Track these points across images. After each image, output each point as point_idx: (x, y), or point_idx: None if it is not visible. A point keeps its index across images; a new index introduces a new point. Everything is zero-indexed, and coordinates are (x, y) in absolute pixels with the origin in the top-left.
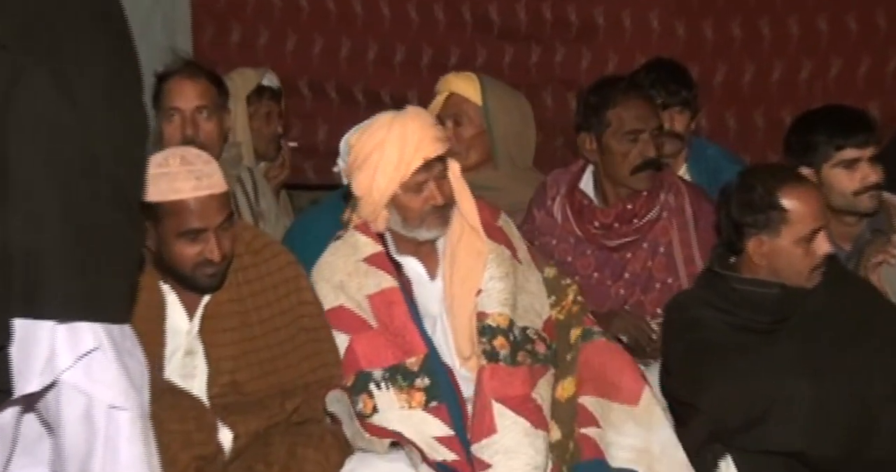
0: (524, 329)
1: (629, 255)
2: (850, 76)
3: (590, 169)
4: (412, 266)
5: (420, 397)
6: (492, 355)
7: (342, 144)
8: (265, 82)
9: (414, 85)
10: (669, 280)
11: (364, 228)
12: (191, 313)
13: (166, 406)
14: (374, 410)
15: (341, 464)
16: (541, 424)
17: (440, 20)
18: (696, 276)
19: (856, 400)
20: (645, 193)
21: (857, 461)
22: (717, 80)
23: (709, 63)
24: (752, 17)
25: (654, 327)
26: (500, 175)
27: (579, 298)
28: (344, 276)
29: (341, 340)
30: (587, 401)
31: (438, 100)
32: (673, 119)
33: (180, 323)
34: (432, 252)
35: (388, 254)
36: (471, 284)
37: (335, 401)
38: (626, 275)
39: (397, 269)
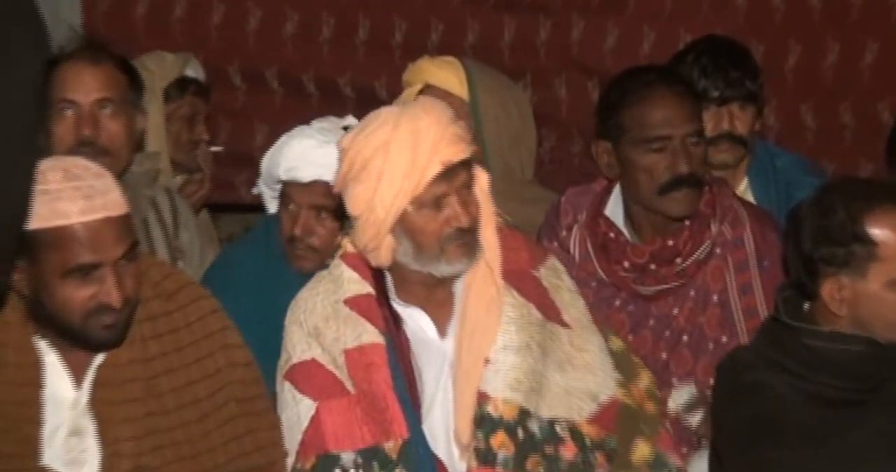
0: (551, 423)
1: (673, 307)
2: None
3: (617, 189)
4: (416, 319)
5: None
6: (486, 458)
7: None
8: (188, 73)
9: (382, 71)
10: (724, 339)
11: (354, 259)
12: (78, 378)
13: None
14: None
15: None
16: None
17: None
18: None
19: None
20: (688, 224)
21: None
22: (789, 64)
23: (779, 42)
24: None
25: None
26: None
27: (657, 392)
28: (320, 321)
29: (305, 407)
30: None
31: (410, 92)
32: (733, 118)
33: (64, 392)
34: (447, 300)
35: (381, 298)
36: (479, 345)
37: None
38: (668, 333)
39: (394, 319)
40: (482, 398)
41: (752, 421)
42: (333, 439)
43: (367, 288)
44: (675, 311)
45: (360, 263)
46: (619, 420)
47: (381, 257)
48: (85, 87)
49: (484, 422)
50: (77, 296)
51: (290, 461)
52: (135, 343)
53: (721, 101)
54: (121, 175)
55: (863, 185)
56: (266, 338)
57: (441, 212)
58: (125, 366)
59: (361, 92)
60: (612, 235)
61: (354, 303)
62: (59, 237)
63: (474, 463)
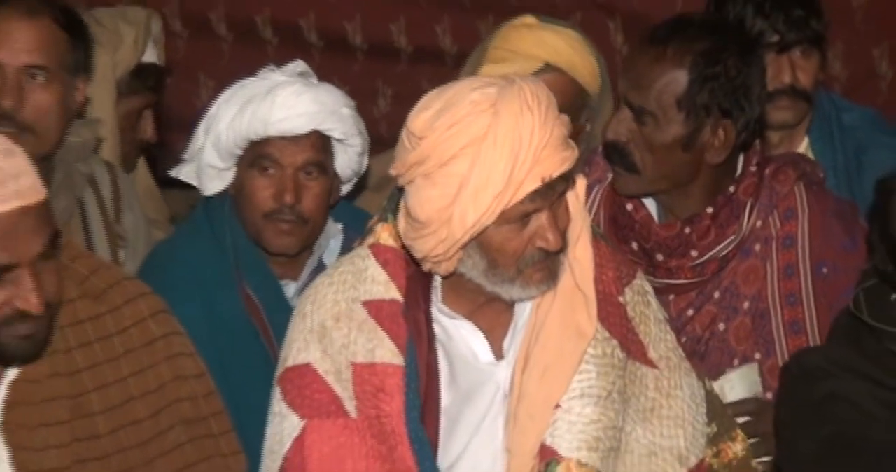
0: None
1: (687, 309)
2: None
3: None
4: (463, 334)
5: None
6: None
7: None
8: (148, 56)
9: (355, 12)
10: (758, 356)
11: (387, 254)
12: None
13: None
14: None
15: None
16: None
17: None
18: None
19: None
20: (711, 211)
21: None
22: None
23: None
24: None
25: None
26: None
27: (752, 462)
28: (329, 318)
29: (290, 425)
30: None
31: (522, 68)
32: (795, 67)
33: None
34: (505, 314)
35: (415, 303)
36: (554, 383)
37: None
38: (684, 339)
39: (427, 331)
40: (549, 453)
41: (829, 441)
42: (318, 468)
43: (394, 293)
44: (690, 313)
45: (395, 259)
46: None
47: (441, 268)
48: (12, 46)
49: None
50: None
51: None
52: (57, 354)
53: (782, 46)
54: (49, 155)
55: None
56: (215, 354)
57: (526, 228)
58: (45, 381)
59: (330, 38)
60: (629, 206)
61: (375, 308)
62: None
63: None
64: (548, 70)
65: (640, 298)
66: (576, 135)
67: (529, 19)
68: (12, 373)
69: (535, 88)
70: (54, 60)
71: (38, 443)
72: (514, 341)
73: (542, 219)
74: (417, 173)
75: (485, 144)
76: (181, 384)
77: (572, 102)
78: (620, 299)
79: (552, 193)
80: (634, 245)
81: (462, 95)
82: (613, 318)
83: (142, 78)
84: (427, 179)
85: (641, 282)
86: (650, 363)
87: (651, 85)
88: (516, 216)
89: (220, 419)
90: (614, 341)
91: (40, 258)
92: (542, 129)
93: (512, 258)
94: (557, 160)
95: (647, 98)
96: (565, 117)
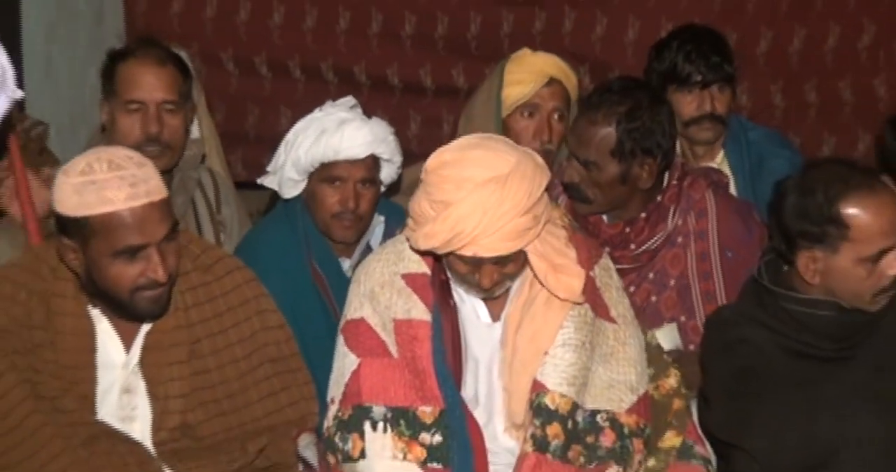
0: (593, 414)
1: (630, 286)
2: None
3: None
4: (471, 302)
5: (420, 452)
6: (541, 444)
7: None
8: None
9: (394, 60)
10: (682, 319)
11: None
12: (128, 343)
13: (101, 452)
14: (362, 455)
15: None
16: None
17: None
18: None
19: None
20: (644, 216)
21: None
22: (760, 49)
23: (750, 29)
24: None
25: (663, 335)
26: None
27: (684, 390)
28: (377, 285)
29: (349, 362)
30: None
31: (535, 82)
32: (713, 99)
33: (115, 356)
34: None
35: (438, 279)
36: (542, 341)
37: (309, 445)
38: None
39: (446, 296)
40: (539, 387)
41: (737, 372)
42: (369, 393)
43: (425, 268)
44: (632, 289)
45: None
46: (652, 411)
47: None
48: (153, 89)
49: (541, 412)
50: (126, 273)
51: (332, 408)
52: (178, 311)
53: (703, 84)
54: (176, 163)
55: (842, 169)
56: (291, 311)
57: (476, 275)
58: (170, 332)
59: (374, 79)
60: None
61: (410, 279)
62: (108, 222)
63: (530, 448)
64: (552, 82)
65: (605, 272)
66: (563, 130)
67: (528, 50)
68: (146, 327)
69: (521, 184)
70: (178, 95)
71: (164, 377)
72: (507, 309)
73: (485, 271)
74: (421, 194)
75: (459, 208)
76: (267, 333)
77: (566, 104)
78: (591, 273)
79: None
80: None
81: (464, 151)
82: (586, 287)
83: None
84: (432, 215)
85: (606, 261)
86: (611, 320)
87: (590, 141)
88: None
89: (296, 358)
90: (586, 305)
91: (164, 241)
92: (501, 222)
93: (462, 283)
94: (498, 249)
95: (589, 151)
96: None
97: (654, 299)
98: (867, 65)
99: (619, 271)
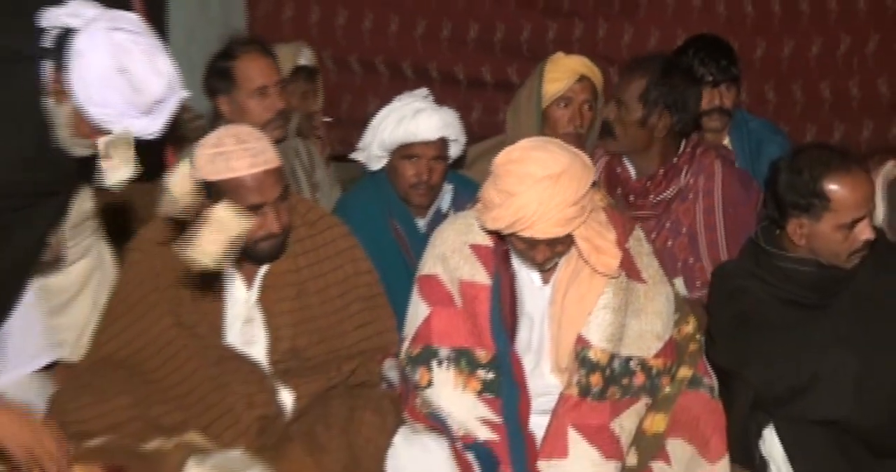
0: (627, 360)
1: (653, 234)
2: (886, 51)
3: None
4: (526, 269)
5: (476, 384)
6: (584, 390)
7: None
8: (301, 61)
9: (460, 60)
10: (691, 260)
11: None
12: (249, 283)
13: (229, 370)
14: (429, 384)
15: (396, 429)
16: (613, 454)
17: None
18: (717, 260)
19: None
20: (662, 172)
21: None
22: (756, 55)
23: (748, 39)
24: None
25: (680, 287)
26: None
27: (698, 336)
28: (448, 250)
29: (422, 309)
30: (674, 442)
31: (569, 78)
32: (721, 95)
33: (239, 293)
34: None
35: (500, 249)
36: (587, 304)
37: (392, 368)
38: None
39: (506, 264)
40: (583, 342)
41: (737, 315)
42: (437, 337)
43: (489, 242)
44: (653, 235)
45: None
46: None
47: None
48: (269, 73)
49: (585, 363)
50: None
51: (405, 345)
52: (288, 258)
53: (714, 83)
54: (285, 135)
55: (825, 153)
56: (377, 260)
57: (533, 251)
58: (283, 274)
59: (444, 75)
60: (618, 169)
61: (476, 249)
62: (233, 185)
63: (575, 392)
64: (582, 79)
65: (637, 242)
66: (593, 117)
67: (562, 54)
68: (263, 269)
69: (572, 180)
70: (279, 77)
71: (277, 310)
72: (556, 275)
73: (540, 249)
74: (489, 184)
75: (525, 199)
76: (358, 277)
77: (594, 96)
78: (626, 245)
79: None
80: (619, 191)
81: (525, 152)
82: (624, 257)
83: (297, 71)
84: (498, 201)
85: (638, 232)
86: (642, 281)
87: (628, 85)
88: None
89: (381, 297)
90: (622, 271)
91: (278, 200)
92: (557, 211)
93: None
94: (554, 232)
95: (624, 92)
96: (575, 205)
97: (670, 243)
98: (843, 70)
99: (642, 218)
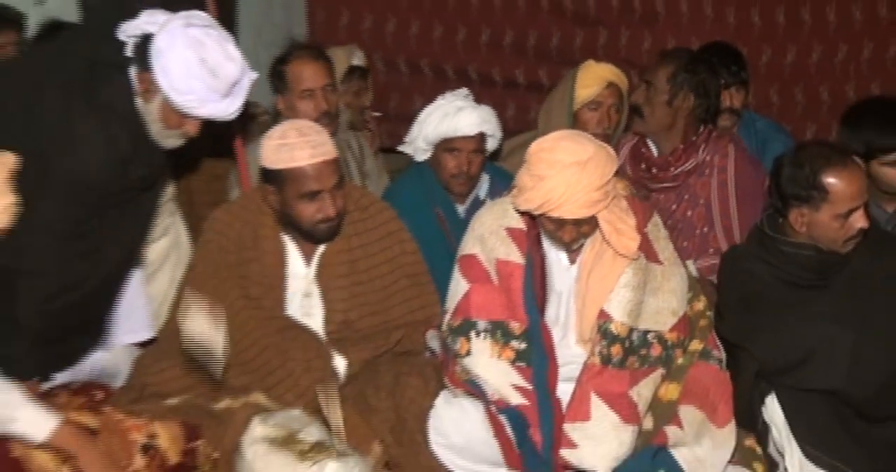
0: (645, 333)
1: (672, 203)
2: (879, 58)
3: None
4: (555, 251)
5: (510, 353)
6: (606, 359)
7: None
8: (354, 62)
9: (497, 63)
10: (706, 229)
11: None
12: (308, 260)
13: (290, 339)
14: (468, 353)
15: (438, 393)
16: (631, 419)
17: (520, 6)
18: (729, 229)
19: (892, 346)
20: (681, 148)
21: (891, 398)
22: (762, 61)
23: (755, 46)
24: (793, 5)
25: (692, 269)
26: None
27: (709, 312)
28: (486, 232)
29: (462, 286)
30: (686, 409)
31: (598, 85)
32: (731, 97)
33: (299, 269)
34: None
35: (533, 232)
36: (609, 282)
37: (434, 338)
38: (670, 221)
39: (538, 246)
40: (605, 317)
41: (744, 293)
42: (476, 311)
43: (522, 225)
44: (674, 207)
45: None
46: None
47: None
48: (318, 77)
49: (607, 335)
50: (308, 210)
51: (447, 317)
52: (342, 239)
53: (725, 86)
54: (336, 130)
55: (823, 149)
56: (421, 242)
57: (560, 232)
58: (337, 253)
59: (483, 77)
60: (643, 150)
61: (511, 232)
62: (295, 174)
63: (598, 361)
64: (610, 85)
65: (655, 227)
66: (619, 119)
67: (593, 62)
68: (321, 248)
69: (598, 166)
70: (333, 79)
71: (332, 285)
72: (581, 256)
73: (567, 230)
74: (524, 170)
75: (544, 181)
76: (405, 256)
77: (621, 100)
78: (645, 230)
79: (579, 225)
80: (643, 166)
81: (560, 142)
82: (642, 241)
83: (351, 71)
84: (530, 177)
85: (656, 218)
86: (659, 262)
87: (658, 68)
88: (555, 225)
89: (426, 275)
90: (641, 253)
91: (335, 188)
92: (585, 193)
93: (544, 231)
94: (580, 213)
95: (654, 75)
96: (601, 189)
97: (689, 213)
98: (841, 75)
99: (663, 190)
